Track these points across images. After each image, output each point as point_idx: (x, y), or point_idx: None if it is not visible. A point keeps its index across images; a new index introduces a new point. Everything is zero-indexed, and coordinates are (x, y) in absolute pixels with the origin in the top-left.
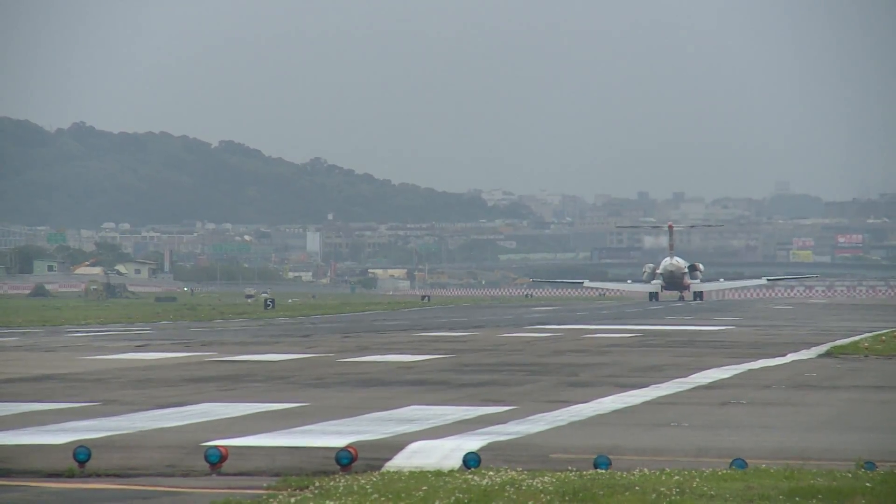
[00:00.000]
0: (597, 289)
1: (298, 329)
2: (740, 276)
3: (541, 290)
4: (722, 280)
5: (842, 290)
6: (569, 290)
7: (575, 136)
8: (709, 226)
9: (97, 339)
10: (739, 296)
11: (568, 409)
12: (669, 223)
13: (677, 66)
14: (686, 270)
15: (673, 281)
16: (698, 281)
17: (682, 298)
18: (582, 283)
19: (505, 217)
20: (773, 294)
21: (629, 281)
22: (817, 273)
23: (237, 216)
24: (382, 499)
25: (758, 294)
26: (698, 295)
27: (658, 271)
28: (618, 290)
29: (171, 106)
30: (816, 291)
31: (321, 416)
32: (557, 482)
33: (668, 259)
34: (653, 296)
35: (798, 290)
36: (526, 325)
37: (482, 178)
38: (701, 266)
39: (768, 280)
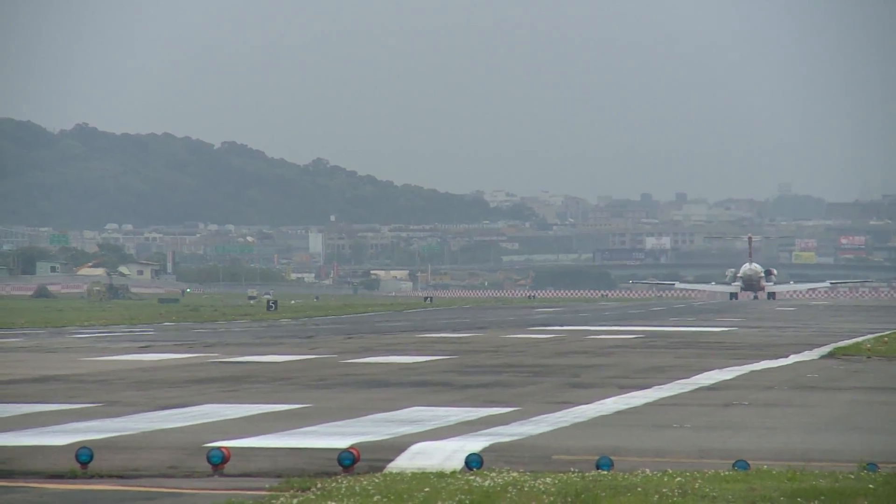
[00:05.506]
0: (684, 289)
1: (301, 330)
2: (808, 279)
3: (630, 290)
4: (792, 282)
5: (844, 292)
6: (663, 290)
7: (577, 138)
8: (784, 237)
9: (100, 341)
10: (808, 297)
11: (570, 410)
12: (749, 235)
13: (680, 67)
14: (762, 274)
15: (751, 284)
16: (772, 283)
17: (756, 297)
18: (673, 284)
19: (507, 218)
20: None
21: (713, 283)
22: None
23: (240, 217)
24: (384, 500)
25: (828, 295)
26: (771, 295)
27: (738, 275)
28: (702, 291)
29: (173, 107)
30: (819, 293)
31: (324, 418)
32: (560, 483)
33: (747, 264)
34: (733, 295)
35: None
36: (529, 327)
37: (485, 179)
38: (774, 271)
39: (832, 283)
